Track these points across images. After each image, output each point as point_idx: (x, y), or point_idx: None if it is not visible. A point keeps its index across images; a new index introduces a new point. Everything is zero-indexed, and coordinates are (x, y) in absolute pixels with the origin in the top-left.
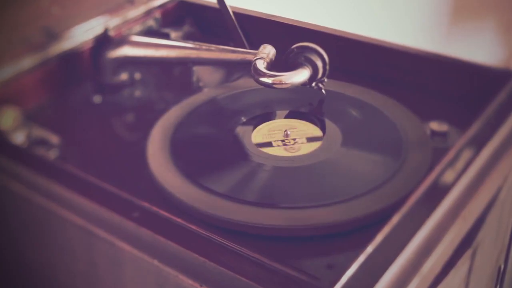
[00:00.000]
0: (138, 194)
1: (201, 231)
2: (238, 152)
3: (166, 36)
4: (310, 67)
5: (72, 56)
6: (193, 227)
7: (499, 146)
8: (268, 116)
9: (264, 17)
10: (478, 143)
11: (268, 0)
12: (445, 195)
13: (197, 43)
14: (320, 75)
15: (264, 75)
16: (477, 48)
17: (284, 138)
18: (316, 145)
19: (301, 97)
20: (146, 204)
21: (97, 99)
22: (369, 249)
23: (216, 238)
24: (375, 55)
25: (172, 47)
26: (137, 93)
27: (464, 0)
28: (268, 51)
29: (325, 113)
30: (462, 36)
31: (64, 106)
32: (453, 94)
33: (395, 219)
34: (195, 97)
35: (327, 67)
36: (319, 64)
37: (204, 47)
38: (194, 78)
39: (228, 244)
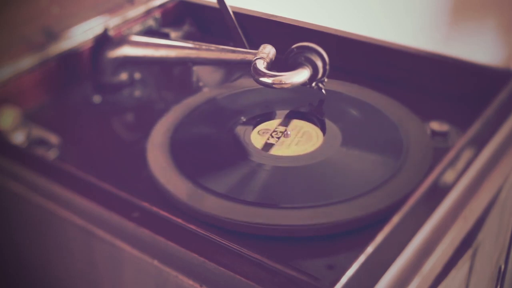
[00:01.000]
0: (138, 194)
1: (201, 231)
2: (238, 152)
3: (166, 36)
4: (310, 67)
5: (71, 56)
6: (193, 227)
7: (500, 146)
8: (268, 116)
9: (264, 17)
10: (479, 143)
11: (268, 0)
12: (446, 195)
13: (197, 43)
14: (320, 75)
15: (264, 75)
16: (477, 48)
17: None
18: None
19: (301, 97)
20: (146, 204)
21: (96, 99)
22: (370, 249)
23: (216, 238)
24: (375, 55)
25: (172, 47)
26: (137, 93)
27: (464, 0)
28: (268, 51)
29: (325, 113)
30: (462, 36)
31: (64, 106)
32: (454, 94)
33: (396, 219)
34: (195, 97)
35: (327, 67)
36: (319, 64)
37: (204, 47)
38: (194, 78)
39: (228, 244)
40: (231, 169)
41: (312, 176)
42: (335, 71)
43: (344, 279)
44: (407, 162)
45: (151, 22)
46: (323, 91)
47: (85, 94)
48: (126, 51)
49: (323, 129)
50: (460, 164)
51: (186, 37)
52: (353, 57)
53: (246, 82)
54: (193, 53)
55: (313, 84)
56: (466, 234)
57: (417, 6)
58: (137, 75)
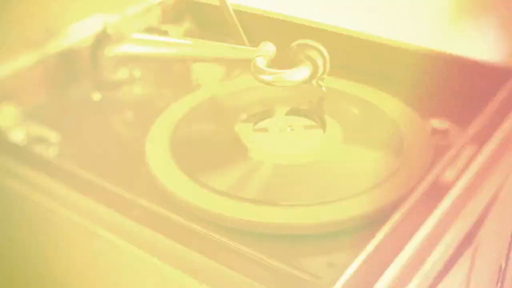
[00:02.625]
0: (138, 192)
1: (201, 229)
2: (238, 150)
3: (166, 33)
4: (310, 64)
5: (71, 53)
6: (193, 225)
7: (501, 144)
8: (268, 114)
9: (264, 14)
10: (479, 141)
11: None
12: (446, 193)
13: (196, 40)
14: (320, 72)
15: (264, 72)
16: (478, 45)
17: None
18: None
19: (302, 94)
20: (145, 202)
21: (96, 96)
22: (370, 247)
23: (216, 236)
24: (376, 52)
25: (172, 44)
26: (137, 90)
27: None
28: (268, 48)
29: (326, 111)
30: (463, 33)
31: (63, 104)
32: (455, 92)
33: (396, 217)
34: (194, 94)
35: (328, 64)
36: (320, 61)
37: (203, 44)
38: (194, 75)
39: (228, 242)
40: (231, 167)
41: (312, 174)
42: (335, 68)
43: (344, 277)
44: (407, 160)
45: (150, 20)
46: (323, 88)
47: (84, 91)
48: (125, 48)
49: (323, 127)
50: (461, 162)
51: (186, 35)
52: (353, 54)
53: (246, 80)
54: (192, 50)
55: (314, 82)
56: (466, 232)
57: (419, 3)
58: (136, 73)
